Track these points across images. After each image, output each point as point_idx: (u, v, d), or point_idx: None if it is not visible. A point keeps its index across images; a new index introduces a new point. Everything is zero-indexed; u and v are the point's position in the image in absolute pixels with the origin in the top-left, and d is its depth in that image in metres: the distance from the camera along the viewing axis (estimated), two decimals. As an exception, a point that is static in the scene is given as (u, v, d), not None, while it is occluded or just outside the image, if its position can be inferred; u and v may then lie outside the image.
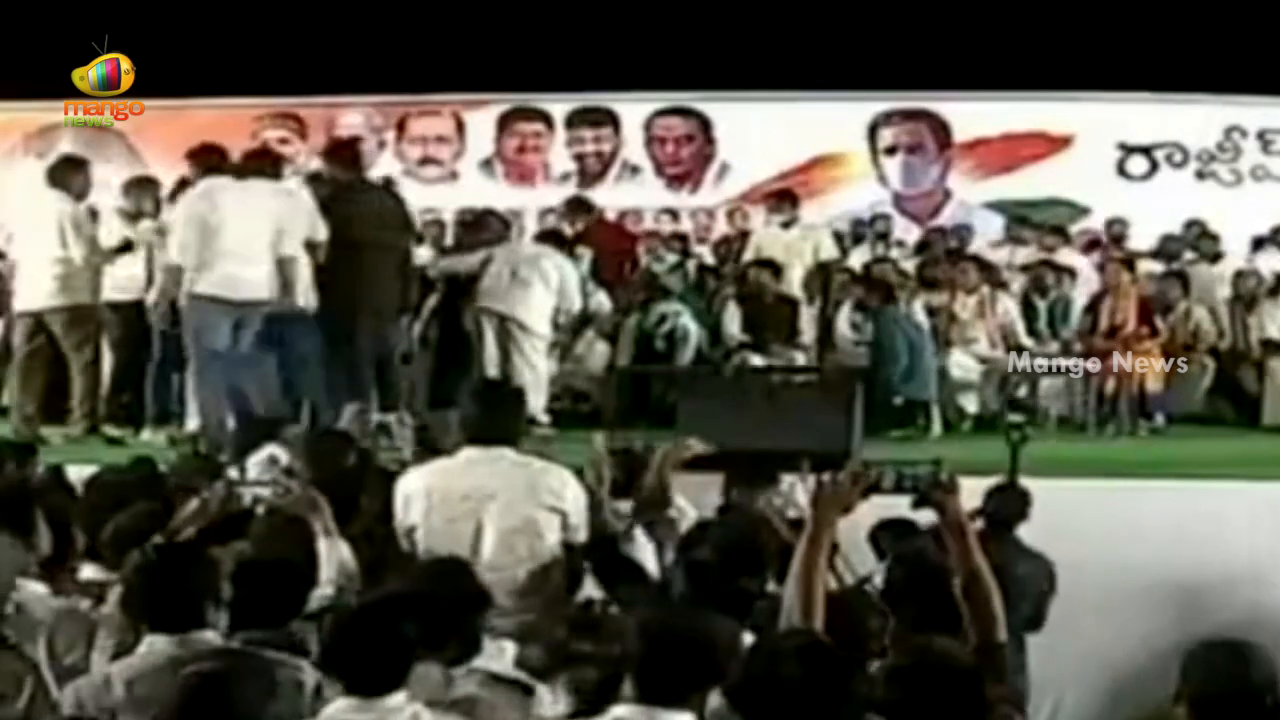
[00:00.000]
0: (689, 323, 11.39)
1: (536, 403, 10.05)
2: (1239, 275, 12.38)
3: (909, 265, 12.76)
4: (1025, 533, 7.48)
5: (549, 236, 12.07)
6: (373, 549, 5.47)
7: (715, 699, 4.06)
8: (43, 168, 10.47)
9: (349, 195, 9.55)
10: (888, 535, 6.60)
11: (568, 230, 12.20)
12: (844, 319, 11.91)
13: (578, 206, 12.70)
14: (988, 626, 4.31)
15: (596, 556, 5.71)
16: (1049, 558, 7.32)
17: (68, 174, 9.79)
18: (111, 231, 9.87)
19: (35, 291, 9.65)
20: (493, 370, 10.27)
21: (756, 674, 3.60)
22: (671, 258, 13.00)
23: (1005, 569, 5.51)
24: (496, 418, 5.91)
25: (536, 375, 10.36)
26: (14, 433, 9.32)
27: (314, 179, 10.19)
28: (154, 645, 4.30)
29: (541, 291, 10.52)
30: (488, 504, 5.68)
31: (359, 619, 4.18)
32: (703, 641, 3.90)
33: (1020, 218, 14.13)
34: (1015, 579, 6.18)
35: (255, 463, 6.87)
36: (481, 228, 11.53)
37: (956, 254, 12.79)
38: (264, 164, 9.41)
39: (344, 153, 10.12)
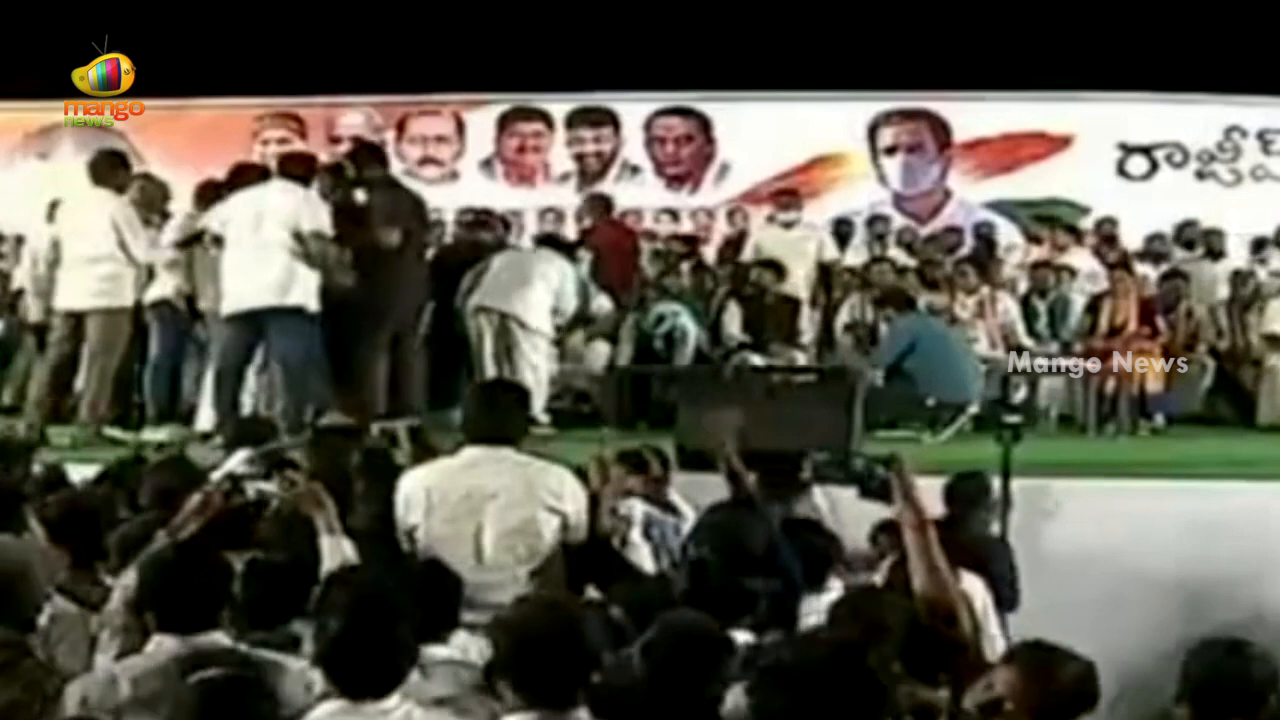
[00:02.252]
0: (688, 323, 11.38)
1: (537, 402, 10.05)
2: (1238, 275, 12.39)
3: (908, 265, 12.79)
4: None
5: (547, 240, 12.05)
6: (371, 550, 5.46)
7: (731, 699, 4.04)
8: (79, 167, 10.39)
9: (380, 194, 9.56)
10: (887, 536, 6.62)
11: (582, 225, 12.18)
12: (844, 318, 11.93)
13: (597, 202, 12.68)
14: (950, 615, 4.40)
15: (590, 558, 5.70)
16: (1008, 542, 7.35)
17: (113, 171, 9.70)
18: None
19: (78, 291, 9.55)
20: (492, 370, 10.24)
21: (780, 675, 3.53)
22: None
23: (970, 553, 5.59)
24: (498, 417, 5.89)
25: (537, 374, 10.33)
26: (24, 431, 9.31)
27: (333, 171, 10.16)
28: (162, 645, 4.27)
29: (541, 289, 10.48)
30: (487, 504, 5.66)
31: (357, 622, 4.13)
32: (575, 636, 3.79)
33: (1049, 216, 14.13)
34: (979, 562, 6.22)
35: (245, 458, 6.82)
36: (482, 229, 11.53)
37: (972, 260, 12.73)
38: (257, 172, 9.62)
39: (371, 152, 10.13)
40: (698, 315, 11.61)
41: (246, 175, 9.70)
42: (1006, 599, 6.90)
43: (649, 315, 11.46)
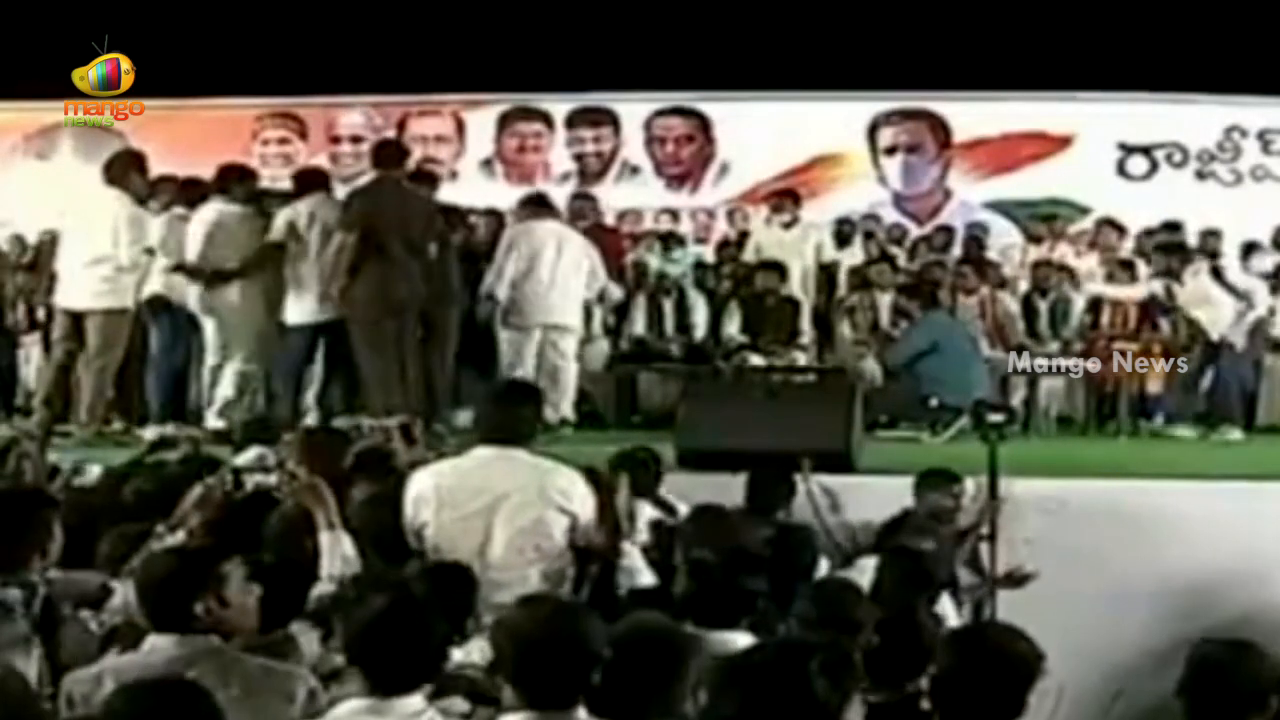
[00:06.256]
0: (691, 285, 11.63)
1: (566, 402, 10.14)
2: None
3: (906, 265, 12.79)
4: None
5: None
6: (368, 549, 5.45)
7: None
8: (92, 167, 10.41)
9: (375, 192, 9.55)
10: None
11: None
12: (847, 317, 11.94)
13: (586, 204, 12.66)
14: None
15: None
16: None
17: (128, 172, 9.66)
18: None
19: (79, 291, 9.53)
20: (531, 369, 10.14)
21: (727, 675, 3.50)
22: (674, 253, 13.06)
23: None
24: (511, 417, 5.87)
25: (570, 373, 10.35)
26: (34, 428, 9.30)
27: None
28: (156, 645, 4.26)
29: (577, 285, 10.47)
30: (499, 504, 5.64)
31: (391, 616, 4.10)
32: (575, 636, 3.76)
33: (1049, 216, 14.12)
34: None
35: (243, 461, 6.83)
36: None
37: (969, 260, 12.72)
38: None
39: (390, 152, 10.13)
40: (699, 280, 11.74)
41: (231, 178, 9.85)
42: None
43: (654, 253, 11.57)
